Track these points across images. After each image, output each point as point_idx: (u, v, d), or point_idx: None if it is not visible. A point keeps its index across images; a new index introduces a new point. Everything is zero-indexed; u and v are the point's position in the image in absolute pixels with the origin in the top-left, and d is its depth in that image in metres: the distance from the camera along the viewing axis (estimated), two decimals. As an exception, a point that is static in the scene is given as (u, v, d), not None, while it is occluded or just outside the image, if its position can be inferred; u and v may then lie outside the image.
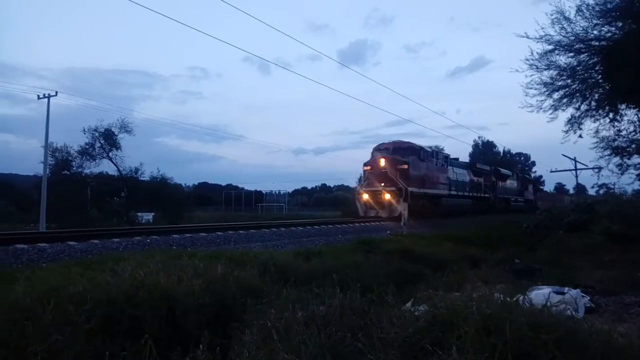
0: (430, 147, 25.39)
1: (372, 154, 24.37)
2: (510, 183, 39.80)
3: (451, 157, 29.65)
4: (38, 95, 33.94)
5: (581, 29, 14.99)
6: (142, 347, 3.36)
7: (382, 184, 21.77)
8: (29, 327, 3.39)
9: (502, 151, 74.85)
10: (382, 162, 22.29)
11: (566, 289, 6.25)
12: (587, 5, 14.56)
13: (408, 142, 24.00)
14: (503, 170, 38.27)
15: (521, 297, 3.61)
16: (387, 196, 21.30)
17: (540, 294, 4.69)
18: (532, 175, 78.68)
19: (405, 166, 21.82)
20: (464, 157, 41.01)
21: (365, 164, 23.50)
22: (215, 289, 4.56)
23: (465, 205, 28.54)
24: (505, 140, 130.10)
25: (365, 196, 22.33)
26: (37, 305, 3.62)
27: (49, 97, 33.49)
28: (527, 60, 16.28)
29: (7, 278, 4.41)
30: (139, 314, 3.89)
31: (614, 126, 17.16)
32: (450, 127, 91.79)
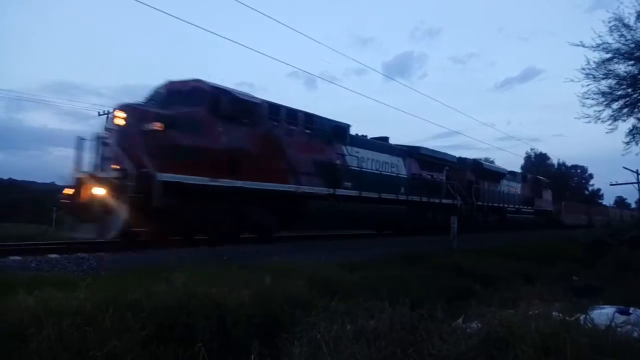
0: (261, 99, 12.46)
1: None
2: (509, 186, 27.96)
3: (370, 136, 17.67)
4: (98, 112, 35.83)
5: (642, 35, 14.30)
6: (195, 355, 3.44)
7: (103, 166, 10.19)
8: (89, 332, 3.55)
9: (556, 163, 71.91)
10: (119, 118, 10.06)
11: (631, 309, 5.86)
12: (649, 11, 13.89)
13: (197, 82, 11.28)
14: (488, 165, 26.95)
15: (582, 317, 3.43)
16: (98, 191, 9.53)
17: (603, 314, 4.42)
18: (590, 188, 75.03)
19: (159, 126, 9.75)
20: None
21: (106, 128, 10.89)
22: (264, 299, 4.62)
23: (390, 215, 16.64)
24: (560, 152, 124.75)
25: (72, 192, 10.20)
26: (97, 312, 3.79)
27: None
28: (583, 69, 15.73)
29: (71, 284, 4.65)
30: (192, 322, 3.99)
31: (680, 137, 16.15)
32: (501, 139, 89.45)
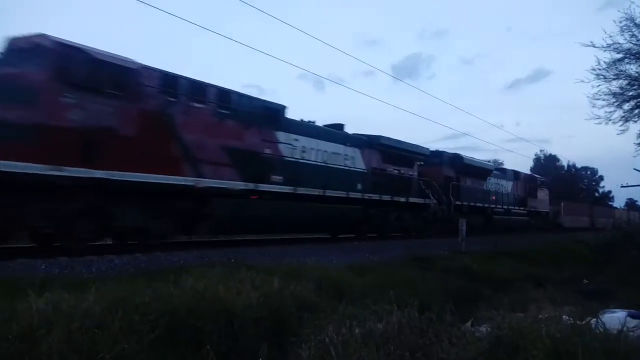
0: (143, 65, 9.70)
1: None
2: (498, 184, 25.15)
3: (317, 123, 15.67)
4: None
5: (654, 35, 14.19)
6: (204, 358, 3.44)
7: None
8: (99, 335, 3.57)
9: (566, 165, 71.31)
10: None
11: (643, 313, 5.79)
12: (660, 10, 13.78)
13: (40, 37, 8.44)
14: (471, 160, 22.54)
15: (593, 321, 3.39)
16: None
17: (615, 318, 4.36)
18: (600, 190, 74.24)
19: None
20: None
21: None
22: (272, 302, 4.62)
23: (341, 215, 14.23)
24: (570, 154, 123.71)
25: None
26: (106, 314, 3.81)
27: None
28: (593, 70, 15.56)
29: (80, 287, 4.68)
30: (200, 325, 4.00)
31: (692, 138, 15.99)
32: (510, 141, 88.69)
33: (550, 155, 70.39)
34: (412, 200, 17.23)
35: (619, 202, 73.88)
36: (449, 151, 22.10)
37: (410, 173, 17.90)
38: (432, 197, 18.40)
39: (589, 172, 75.26)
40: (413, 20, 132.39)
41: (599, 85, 15.73)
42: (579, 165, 72.77)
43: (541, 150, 71.29)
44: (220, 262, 6.99)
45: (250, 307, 4.31)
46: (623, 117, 15.85)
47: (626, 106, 15.72)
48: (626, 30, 14.52)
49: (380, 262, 10.11)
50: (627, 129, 16.13)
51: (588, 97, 16.15)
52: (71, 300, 3.98)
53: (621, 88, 15.55)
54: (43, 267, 7.07)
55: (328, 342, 3.37)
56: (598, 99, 15.91)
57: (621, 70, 15.30)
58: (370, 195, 15.15)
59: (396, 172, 17.01)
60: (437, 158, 20.48)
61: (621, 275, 12.67)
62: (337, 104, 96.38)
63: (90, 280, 5.36)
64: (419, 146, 18.75)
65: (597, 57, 15.50)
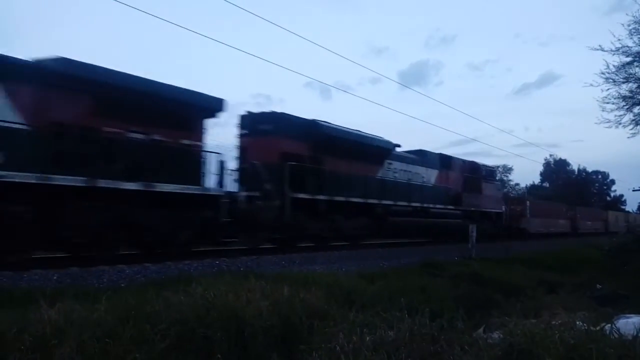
0: None
1: None
2: (407, 171, 17.85)
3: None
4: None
5: (664, 38, 14.12)
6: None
7: None
8: (110, 345, 3.59)
9: (576, 169, 70.70)
10: None
11: (659, 318, 5.68)
12: (670, 13, 13.72)
13: None
14: (339, 129, 14.67)
15: (608, 326, 3.35)
16: None
17: (630, 323, 4.29)
18: (612, 194, 73.37)
19: None
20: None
21: None
22: (282, 310, 4.61)
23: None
24: (580, 158, 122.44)
25: None
26: (117, 324, 3.82)
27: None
28: (602, 73, 15.42)
29: (92, 297, 4.71)
30: (210, 333, 4.00)
31: None
32: (519, 146, 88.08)
33: (560, 159, 69.85)
34: (167, 189, 9.66)
35: (631, 206, 73.05)
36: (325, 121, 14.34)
37: (186, 141, 10.51)
38: (226, 185, 11.49)
39: (600, 177, 74.54)
40: (420, 27, 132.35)
41: (608, 89, 15.61)
42: (589, 170, 72.19)
43: (551, 155, 70.76)
44: (229, 270, 7.00)
45: (260, 316, 4.31)
46: (633, 120, 15.73)
47: (636, 109, 15.61)
48: (635, 34, 14.47)
49: (391, 269, 10.07)
50: (637, 132, 16.02)
51: (597, 100, 16.03)
52: (83, 311, 4.01)
53: (631, 91, 15.44)
54: (55, 277, 7.12)
55: (339, 350, 3.36)
56: (608, 103, 15.78)
57: (630, 74, 15.19)
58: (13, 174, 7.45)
59: (142, 137, 9.59)
60: (272, 124, 12.98)
61: (636, 280, 12.48)
62: (344, 112, 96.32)
63: (101, 290, 5.39)
64: (202, 94, 10.84)
65: (606, 61, 15.40)
